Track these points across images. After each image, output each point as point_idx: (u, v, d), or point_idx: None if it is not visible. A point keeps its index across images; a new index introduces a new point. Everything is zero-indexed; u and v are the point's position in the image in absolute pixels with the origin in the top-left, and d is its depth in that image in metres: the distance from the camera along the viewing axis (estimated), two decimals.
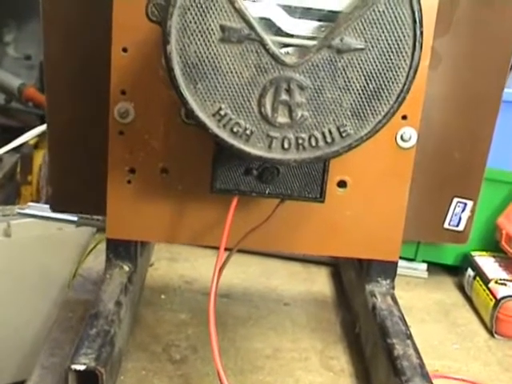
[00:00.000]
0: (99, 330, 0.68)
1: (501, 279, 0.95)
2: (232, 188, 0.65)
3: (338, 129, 0.55)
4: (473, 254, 1.03)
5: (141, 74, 0.69)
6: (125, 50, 0.67)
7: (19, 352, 1.23)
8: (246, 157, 0.55)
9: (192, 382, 0.73)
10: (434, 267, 1.06)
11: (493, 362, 0.85)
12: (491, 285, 0.94)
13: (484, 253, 1.04)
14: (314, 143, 0.55)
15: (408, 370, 0.66)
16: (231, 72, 0.53)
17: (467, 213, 0.91)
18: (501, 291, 0.92)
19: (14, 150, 1.53)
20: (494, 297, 0.91)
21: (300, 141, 0.55)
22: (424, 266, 1.05)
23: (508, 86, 0.87)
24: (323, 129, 0.55)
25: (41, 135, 1.50)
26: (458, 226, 0.94)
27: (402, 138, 0.70)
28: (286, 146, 0.55)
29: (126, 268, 0.79)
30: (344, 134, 0.55)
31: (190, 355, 0.78)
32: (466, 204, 0.92)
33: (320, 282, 1.00)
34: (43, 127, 1.37)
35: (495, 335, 0.90)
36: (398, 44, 0.53)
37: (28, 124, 1.84)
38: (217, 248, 0.66)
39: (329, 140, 0.55)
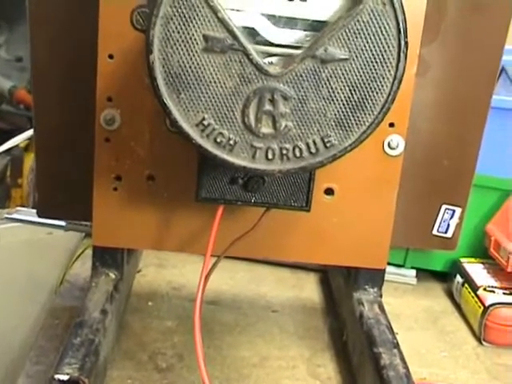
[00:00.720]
0: (83, 339, 0.67)
1: (489, 286, 0.95)
2: (217, 197, 0.64)
3: (323, 139, 0.54)
4: (461, 260, 1.03)
5: (127, 80, 0.68)
6: (111, 56, 0.67)
7: (7, 357, 1.22)
8: (230, 167, 0.55)
9: None
10: (423, 273, 1.06)
11: (481, 370, 0.84)
12: (480, 292, 0.94)
13: (473, 259, 1.04)
14: (298, 154, 0.55)
15: (394, 379, 0.66)
16: (214, 82, 0.53)
17: (456, 219, 0.91)
18: (489, 298, 0.92)
19: (5, 152, 1.52)
20: (483, 304, 0.91)
21: (284, 151, 0.55)
22: (413, 272, 1.05)
23: (497, 92, 0.87)
24: (307, 139, 0.54)
25: (31, 138, 1.50)
26: (446, 232, 0.94)
27: (389, 145, 0.70)
28: (270, 156, 0.55)
29: (112, 276, 0.79)
30: (328, 145, 0.54)
31: (176, 363, 0.77)
32: (454, 211, 0.92)
33: (309, 289, 0.99)
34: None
35: (484, 343, 0.90)
36: (382, 54, 0.52)
37: (19, 126, 1.83)
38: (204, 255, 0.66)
39: (313, 150, 0.55)
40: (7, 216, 1.17)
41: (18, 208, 1.21)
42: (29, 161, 1.61)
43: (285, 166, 0.55)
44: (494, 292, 0.93)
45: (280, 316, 0.91)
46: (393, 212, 0.74)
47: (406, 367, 0.69)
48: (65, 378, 0.61)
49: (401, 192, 0.73)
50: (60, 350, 0.66)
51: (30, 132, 1.46)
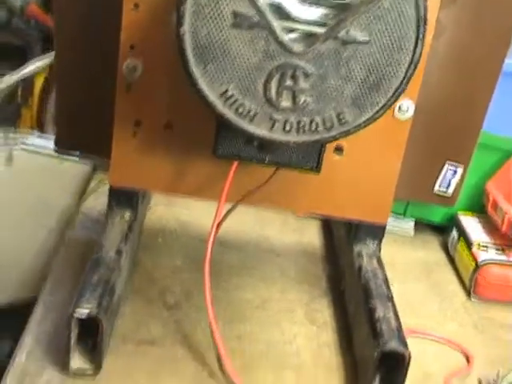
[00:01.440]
0: (100, 277, 0.71)
1: (483, 242, 0.99)
2: (233, 154, 0.68)
3: (338, 116, 0.58)
4: (459, 214, 1.07)
5: (150, 30, 0.70)
6: (136, 5, 0.69)
7: (15, 276, 1.27)
8: (249, 136, 0.58)
9: (185, 328, 0.78)
10: (421, 226, 1.09)
11: (468, 323, 0.89)
12: (473, 248, 0.98)
13: (470, 214, 1.07)
14: (313, 127, 0.58)
15: (386, 332, 0.71)
16: (240, 56, 0.56)
17: (457, 177, 0.95)
18: (482, 255, 0.96)
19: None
20: (475, 260, 0.96)
21: (301, 124, 0.58)
22: (411, 223, 1.09)
23: (510, 56, 0.89)
24: (324, 115, 0.58)
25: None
26: (447, 189, 0.97)
27: (399, 109, 0.73)
28: (287, 128, 0.58)
29: (127, 216, 0.83)
30: (343, 121, 0.58)
31: (183, 301, 0.82)
32: (456, 169, 0.95)
33: (310, 234, 1.03)
34: (48, 58, 1.38)
35: (473, 297, 0.95)
36: (400, 40, 0.55)
37: (30, 42, 1.84)
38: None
39: (328, 125, 0.58)
40: (21, 141, 1.20)
41: (32, 132, 1.23)
42: (40, 80, 1.62)
43: (300, 138, 0.59)
44: (487, 249, 0.98)
45: (282, 260, 0.95)
46: (397, 172, 0.78)
47: (398, 321, 0.73)
48: (83, 315, 0.66)
49: (406, 146, 0.77)
50: (78, 287, 0.70)
51: (46, 59, 1.48)
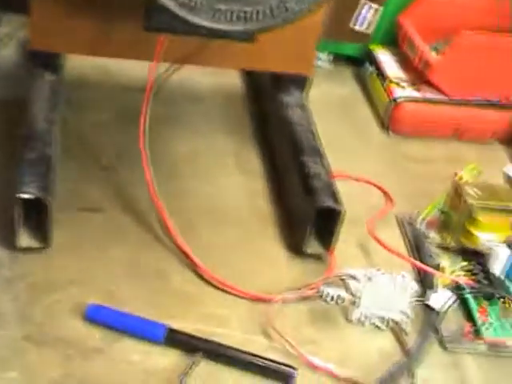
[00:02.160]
0: (38, 154, 0.71)
1: (398, 78, 1.02)
2: (166, 28, 0.66)
3: (282, 4, 0.57)
4: (373, 48, 1.08)
5: None
6: None
7: None
8: (192, 26, 0.57)
9: (123, 191, 0.79)
10: (339, 60, 1.10)
11: (386, 161, 0.94)
12: (388, 83, 1.01)
13: (384, 47, 1.08)
14: (260, 16, 0.58)
15: (320, 189, 0.74)
16: None
17: (373, 14, 0.97)
18: (397, 92, 0.99)
19: None
20: (390, 96, 0.99)
21: (247, 14, 0.57)
22: (330, 57, 1.09)
23: None
24: (268, 3, 0.57)
25: None
26: (362, 26, 0.99)
27: None
28: (232, 18, 0.57)
29: (52, 78, 0.80)
30: (287, 9, 0.57)
31: (118, 162, 0.82)
32: (371, 6, 0.97)
33: (230, 75, 1.02)
34: None
35: (390, 134, 0.99)
36: None
37: None
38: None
39: (273, 14, 0.58)
40: None
41: None
42: None
43: (246, 27, 0.58)
44: (401, 85, 1.01)
45: (207, 106, 0.95)
46: (321, 25, 0.79)
47: (329, 175, 0.77)
48: (30, 197, 0.66)
49: None
50: (18, 166, 0.69)
51: None
